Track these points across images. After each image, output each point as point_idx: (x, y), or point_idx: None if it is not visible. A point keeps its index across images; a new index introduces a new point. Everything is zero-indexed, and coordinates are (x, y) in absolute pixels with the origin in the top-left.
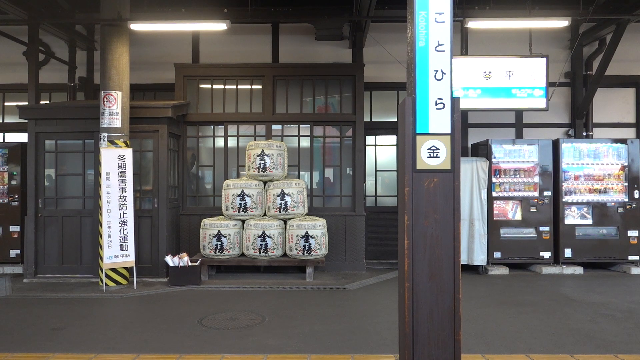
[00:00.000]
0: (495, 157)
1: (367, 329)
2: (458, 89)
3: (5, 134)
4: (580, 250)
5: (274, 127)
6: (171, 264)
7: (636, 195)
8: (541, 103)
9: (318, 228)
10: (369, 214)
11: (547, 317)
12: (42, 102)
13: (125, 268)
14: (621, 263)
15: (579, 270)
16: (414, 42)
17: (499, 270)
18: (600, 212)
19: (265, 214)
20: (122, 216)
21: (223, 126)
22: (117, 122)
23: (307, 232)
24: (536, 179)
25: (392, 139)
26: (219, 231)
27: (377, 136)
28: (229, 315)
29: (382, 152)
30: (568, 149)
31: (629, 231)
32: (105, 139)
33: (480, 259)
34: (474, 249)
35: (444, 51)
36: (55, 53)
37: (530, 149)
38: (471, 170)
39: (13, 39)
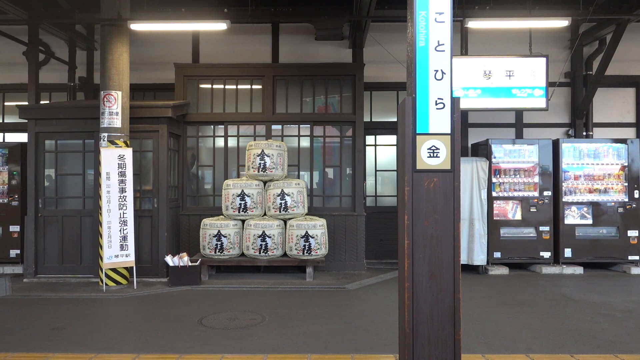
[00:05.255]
0: (495, 157)
1: (367, 329)
2: (458, 89)
3: (5, 134)
4: (580, 250)
5: (274, 127)
6: (171, 264)
7: (636, 195)
8: (541, 103)
9: (318, 228)
10: (369, 214)
11: (547, 317)
12: (42, 102)
13: (125, 268)
14: (621, 263)
15: (579, 270)
16: (414, 42)
17: (499, 270)
18: (600, 212)
19: (265, 214)
20: (122, 216)
21: (223, 126)
22: (117, 122)
23: (307, 232)
24: (536, 179)
25: (392, 139)
26: (219, 231)
27: (377, 136)
28: (229, 315)
29: (382, 152)
30: (568, 148)
31: (629, 231)
32: (105, 139)
33: (480, 258)
34: (474, 248)
35: (444, 51)
36: (55, 53)
37: (530, 149)
38: (471, 170)
39: (13, 39)
